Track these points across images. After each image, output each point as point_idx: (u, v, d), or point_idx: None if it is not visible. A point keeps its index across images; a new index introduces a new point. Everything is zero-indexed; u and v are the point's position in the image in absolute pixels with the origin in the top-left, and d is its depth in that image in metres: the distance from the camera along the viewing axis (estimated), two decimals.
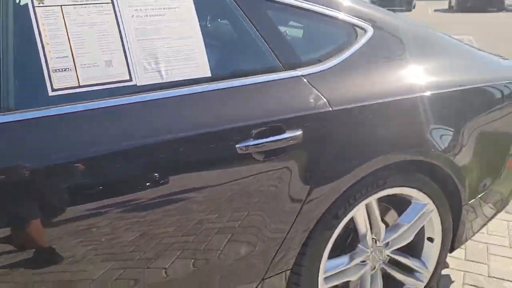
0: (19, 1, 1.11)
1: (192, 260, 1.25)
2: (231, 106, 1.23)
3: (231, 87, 1.25)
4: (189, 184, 1.18)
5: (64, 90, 1.09)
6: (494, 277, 1.99)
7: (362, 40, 1.49)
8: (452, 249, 1.78)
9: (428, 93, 1.50)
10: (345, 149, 1.35)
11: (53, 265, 1.08)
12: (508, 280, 1.96)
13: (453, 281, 1.97)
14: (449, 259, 2.12)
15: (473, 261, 2.11)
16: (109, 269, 1.15)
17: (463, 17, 16.66)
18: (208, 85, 1.23)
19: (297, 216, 1.34)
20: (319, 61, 1.40)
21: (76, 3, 1.12)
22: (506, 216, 2.48)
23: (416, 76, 1.52)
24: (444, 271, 2.03)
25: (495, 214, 1.93)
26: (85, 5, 1.13)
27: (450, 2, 21.43)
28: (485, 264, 2.08)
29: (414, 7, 22.17)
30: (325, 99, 1.33)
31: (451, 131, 1.56)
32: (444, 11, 20.58)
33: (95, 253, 1.12)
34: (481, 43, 9.84)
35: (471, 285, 1.94)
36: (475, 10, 18.17)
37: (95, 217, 1.09)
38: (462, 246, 2.20)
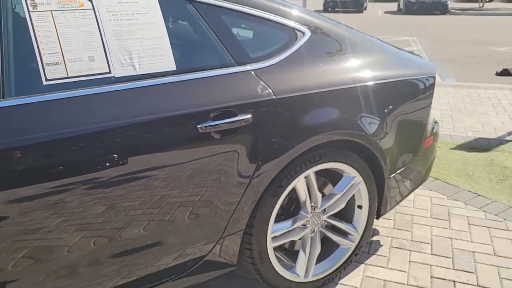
0: (14, 7, 1.34)
1: (160, 227, 1.52)
2: (193, 94, 1.51)
3: (193, 79, 1.53)
4: (158, 159, 1.44)
5: (55, 81, 1.33)
6: (415, 241, 2.37)
7: (301, 41, 1.81)
8: (378, 216, 2.13)
9: (356, 85, 1.84)
10: (287, 130, 1.66)
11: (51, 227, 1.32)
12: (426, 243, 2.35)
13: (382, 245, 2.34)
14: (380, 228, 2.49)
15: (399, 229, 2.49)
16: (85, 237, 1.40)
17: (410, 19, 17.61)
18: (174, 77, 1.51)
19: (247, 186, 1.64)
20: (265, 58, 1.71)
21: (63, 9, 1.36)
22: (429, 193, 2.90)
23: (346, 71, 1.86)
24: (375, 238, 2.40)
25: (414, 188, 2.31)
26: (71, 11, 1.37)
27: (399, 5, 22.45)
28: (409, 231, 2.47)
29: (365, 9, 23.10)
30: (270, 89, 1.63)
31: (377, 116, 1.91)
32: (393, 13, 21.59)
33: (73, 222, 1.37)
34: (424, 44, 10.56)
35: (396, 247, 2.32)
36: (421, 12, 19.20)
37: (70, 191, 1.33)
38: (391, 217, 2.59)
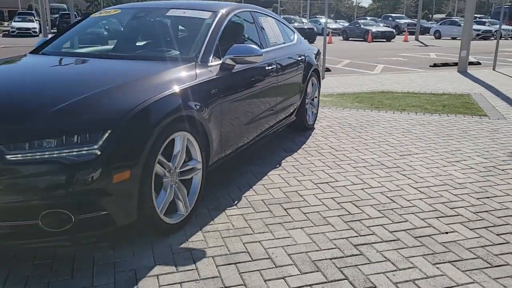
0: (259, 22, 4.33)
1: (284, 101, 4.67)
2: (293, 49, 4.82)
3: (289, 44, 4.83)
4: (288, 70, 4.63)
5: (270, 44, 4.41)
6: (328, 117, 6.04)
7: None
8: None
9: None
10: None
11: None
12: (335, 118, 6.05)
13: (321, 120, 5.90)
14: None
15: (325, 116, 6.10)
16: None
17: None
18: (285, 44, 4.74)
19: (303, 88, 4.96)
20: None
21: (265, 22, 4.46)
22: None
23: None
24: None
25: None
26: (267, 22, 4.49)
27: None
28: (329, 112, 6.11)
29: None
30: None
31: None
32: None
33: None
34: None
35: (321, 118, 5.92)
36: None
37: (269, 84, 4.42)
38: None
